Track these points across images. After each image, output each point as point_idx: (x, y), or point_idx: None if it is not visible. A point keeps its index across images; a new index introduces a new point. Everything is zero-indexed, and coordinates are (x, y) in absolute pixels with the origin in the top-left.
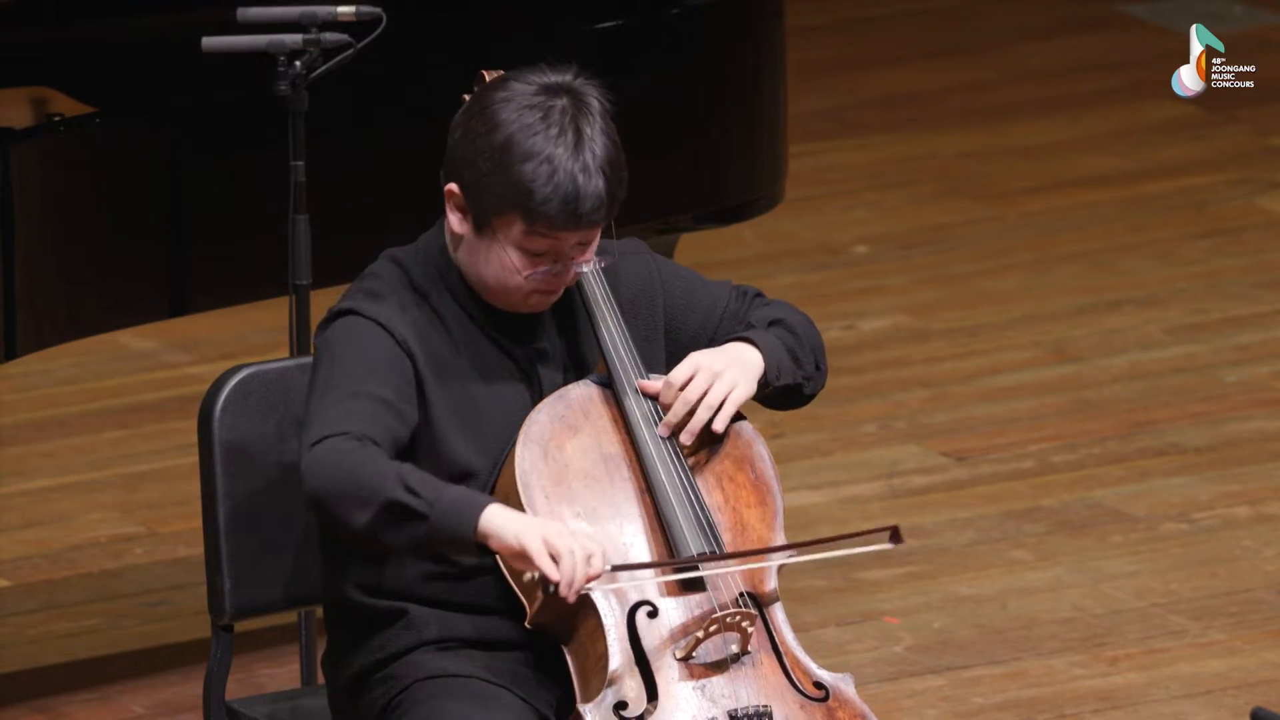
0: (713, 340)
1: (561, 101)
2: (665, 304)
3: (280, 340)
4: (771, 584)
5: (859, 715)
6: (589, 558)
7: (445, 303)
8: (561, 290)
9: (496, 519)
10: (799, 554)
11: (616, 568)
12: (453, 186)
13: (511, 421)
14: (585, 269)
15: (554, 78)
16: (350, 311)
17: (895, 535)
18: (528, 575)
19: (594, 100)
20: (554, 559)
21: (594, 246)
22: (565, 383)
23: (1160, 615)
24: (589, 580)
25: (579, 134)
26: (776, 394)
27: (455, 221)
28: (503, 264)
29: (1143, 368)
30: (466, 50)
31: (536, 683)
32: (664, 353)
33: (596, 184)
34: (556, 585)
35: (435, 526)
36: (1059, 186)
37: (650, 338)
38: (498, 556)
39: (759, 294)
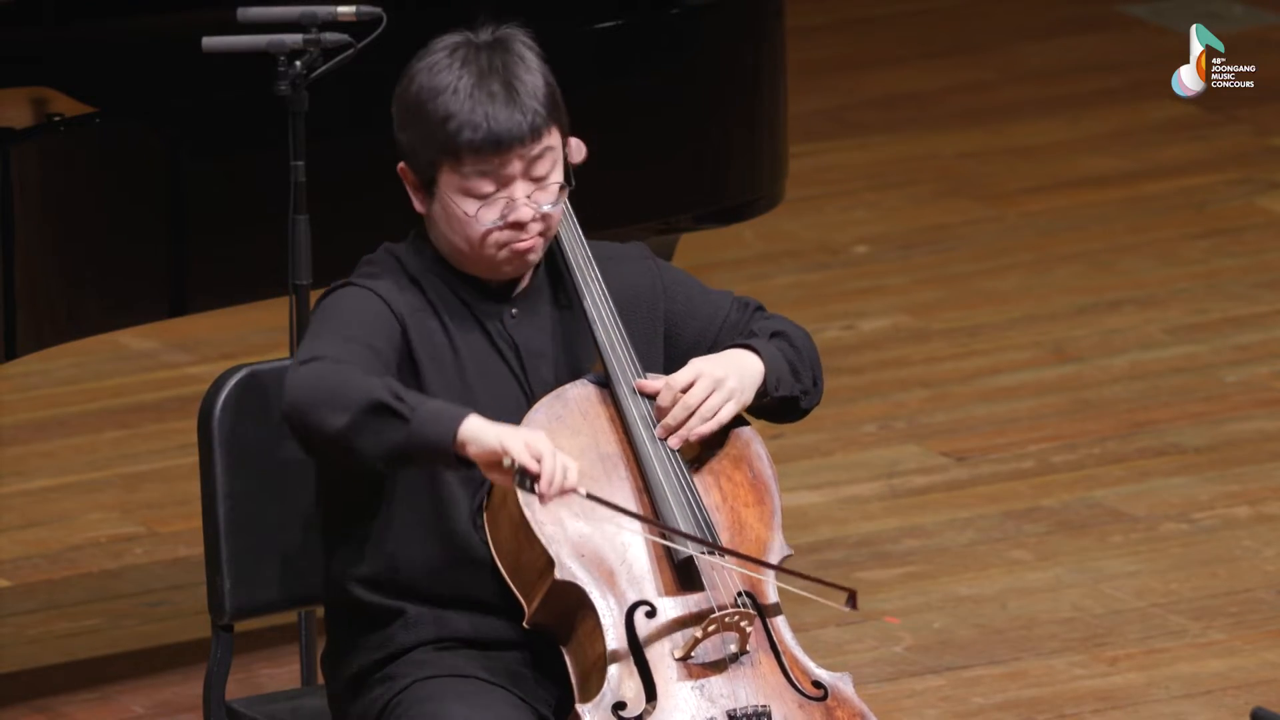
0: (712, 348)
1: (475, 46)
2: (666, 309)
3: (280, 340)
4: (771, 584)
5: (858, 714)
6: (566, 470)
7: (439, 293)
8: (535, 241)
9: (477, 425)
10: (761, 571)
11: (591, 496)
12: (401, 165)
13: (506, 417)
14: (548, 208)
15: (474, 36)
16: (347, 284)
17: (852, 600)
18: (506, 461)
19: (515, 43)
20: (536, 461)
21: (550, 182)
22: (559, 381)
23: (1160, 615)
24: (564, 493)
25: (490, 65)
26: (773, 405)
27: (416, 203)
28: (459, 219)
29: (1143, 368)
30: None
31: (535, 683)
32: (663, 356)
33: (506, 101)
34: (535, 479)
35: (414, 431)
36: (1059, 186)
37: (650, 341)
38: (485, 521)
39: (760, 307)
